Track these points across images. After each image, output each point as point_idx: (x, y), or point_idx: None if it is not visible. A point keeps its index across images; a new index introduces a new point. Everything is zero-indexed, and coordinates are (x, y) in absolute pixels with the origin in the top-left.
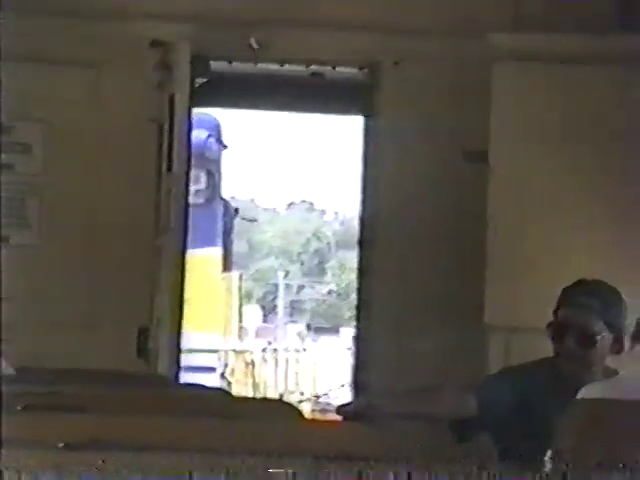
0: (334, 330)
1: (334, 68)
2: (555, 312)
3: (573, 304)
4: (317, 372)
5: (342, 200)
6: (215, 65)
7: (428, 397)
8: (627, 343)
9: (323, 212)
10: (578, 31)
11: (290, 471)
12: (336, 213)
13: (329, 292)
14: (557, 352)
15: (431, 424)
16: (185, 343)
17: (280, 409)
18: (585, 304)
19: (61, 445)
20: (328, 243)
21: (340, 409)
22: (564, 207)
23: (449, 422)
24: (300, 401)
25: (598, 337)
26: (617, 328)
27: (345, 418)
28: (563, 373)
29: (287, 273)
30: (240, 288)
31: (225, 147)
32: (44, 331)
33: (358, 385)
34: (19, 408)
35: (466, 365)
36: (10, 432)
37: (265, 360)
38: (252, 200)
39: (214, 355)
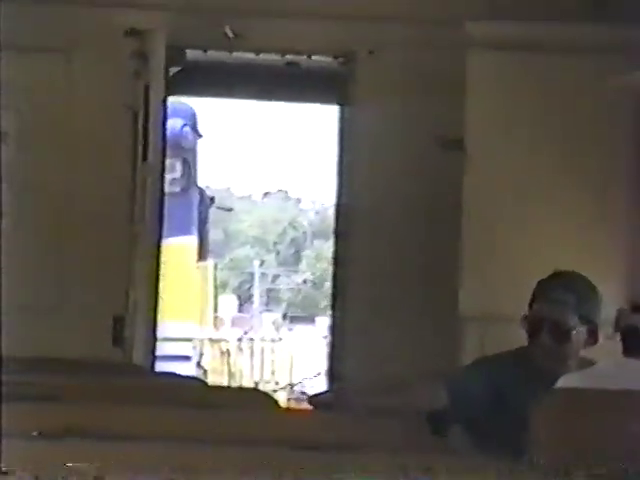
0: (310, 319)
1: (309, 57)
2: (530, 305)
3: (548, 298)
4: (293, 361)
5: (318, 189)
6: (190, 54)
7: (400, 390)
8: (604, 334)
9: (299, 201)
10: (550, 20)
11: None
12: (312, 202)
13: (305, 281)
14: (532, 345)
15: (405, 416)
16: (161, 332)
17: (255, 398)
18: (560, 299)
19: (35, 434)
20: (304, 232)
21: (312, 399)
22: (540, 195)
23: (427, 414)
24: (275, 390)
25: (573, 332)
26: (592, 322)
27: (317, 408)
28: (538, 366)
29: (263, 262)
30: (215, 277)
31: (201, 136)
32: (18, 319)
33: (333, 374)
34: None
35: (441, 356)
36: None
37: (241, 349)
38: (228, 189)
39: (190, 344)
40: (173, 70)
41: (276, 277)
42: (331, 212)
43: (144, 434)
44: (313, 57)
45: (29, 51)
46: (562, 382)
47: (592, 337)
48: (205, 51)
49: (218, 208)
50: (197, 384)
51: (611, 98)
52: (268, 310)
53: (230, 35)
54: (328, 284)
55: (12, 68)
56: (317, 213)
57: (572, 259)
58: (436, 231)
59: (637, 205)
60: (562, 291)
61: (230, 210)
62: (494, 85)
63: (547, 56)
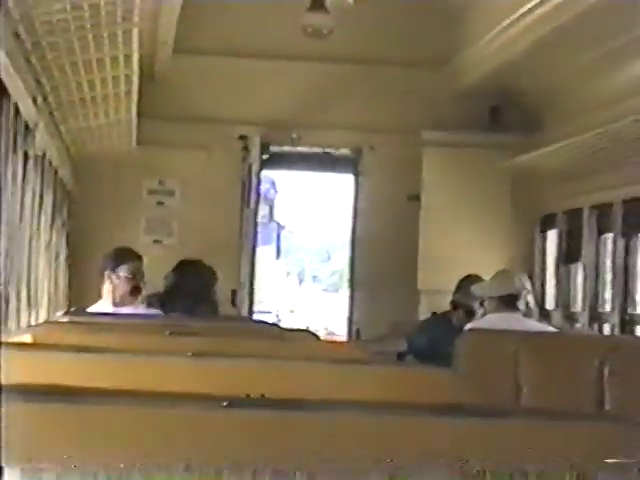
0: (337, 291)
1: (337, 150)
2: (454, 294)
3: (462, 291)
4: (328, 314)
5: (343, 222)
6: (273, 148)
7: (383, 340)
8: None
9: (331, 228)
10: (469, 129)
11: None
12: (339, 229)
13: (333, 272)
14: (453, 316)
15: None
16: (256, 298)
17: (307, 335)
18: (469, 291)
19: (189, 354)
20: (333, 245)
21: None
22: (462, 225)
23: (396, 354)
24: (317, 330)
25: (477, 311)
26: (484, 304)
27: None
28: (454, 325)
29: (311, 260)
30: (285, 268)
31: (277, 192)
32: None
33: (350, 321)
34: (167, 333)
35: (407, 312)
36: (160, 349)
37: (299, 308)
38: (291, 221)
39: (272, 305)
40: (264, 157)
41: (318, 269)
42: (349, 234)
43: (245, 355)
44: (340, 150)
45: (189, 148)
46: (467, 326)
47: (482, 311)
48: (281, 146)
49: (286, 231)
50: (275, 327)
51: (498, 174)
52: (314, 286)
53: (295, 137)
54: (347, 272)
55: (179, 156)
56: (340, 235)
57: (479, 263)
58: (405, 245)
59: (513, 237)
60: (470, 286)
61: (292, 232)
62: (436, 165)
63: (465, 149)
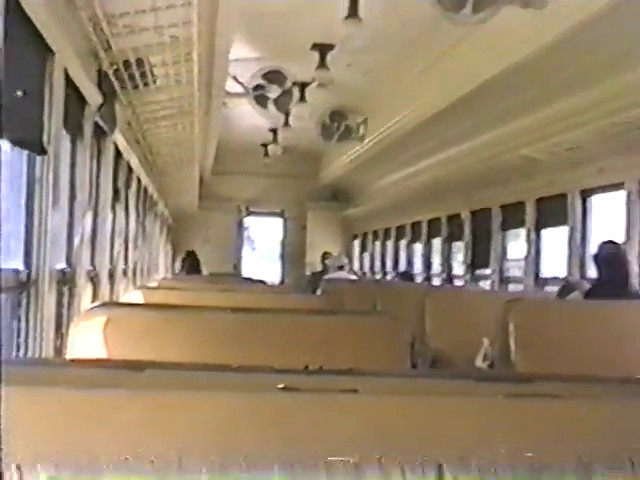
0: (275, 263)
1: (274, 210)
2: (322, 262)
3: (328, 258)
4: (271, 273)
5: (278, 237)
6: (251, 209)
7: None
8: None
9: (273, 240)
10: (325, 201)
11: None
12: (276, 240)
13: (275, 256)
14: (324, 271)
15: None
16: (243, 267)
17: (262, 282)
18: (331, 258)
19: (218, 290)
20: (275, 247)
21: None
22: (323, 238)
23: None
24: (267, 280)
25: (337, 268)
26: (343, 265)
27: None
28: (325, 274)
29: (265, 251)
30: (255, 255)
31: (251, 227)
32: (214, 267)
33: (282, 275)
34: (209, 283)
35: (301, 272)
36: (206, 288)
37: (259, 271)
38: (257, 238)
39: (248, 270)
40: (246, 213)
41: (268, 255)
42: (280, 241)
43: (239, 290)
44: (275, 210)
45: (218, 210)
46: (325, 277)
47: (342, 268)
48: (253, 209)
49: (255, 241)
50: (250, 279)
51: (336, 218)
52: (266, 261)
53: (259, 205)
54: (279, 256)
55: (213, 214)
56: (277, 242)
57: (332, 249)
58: (300, 245)
59: (342, 242)
60: (330, 257)
61: (257, 241)
62: (312, 215)
63: (323, 210)
